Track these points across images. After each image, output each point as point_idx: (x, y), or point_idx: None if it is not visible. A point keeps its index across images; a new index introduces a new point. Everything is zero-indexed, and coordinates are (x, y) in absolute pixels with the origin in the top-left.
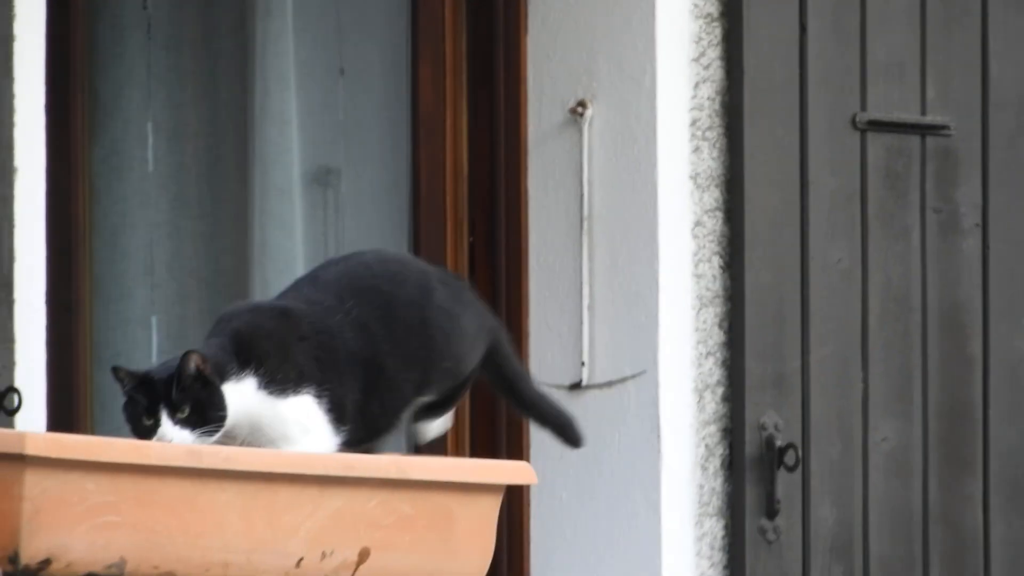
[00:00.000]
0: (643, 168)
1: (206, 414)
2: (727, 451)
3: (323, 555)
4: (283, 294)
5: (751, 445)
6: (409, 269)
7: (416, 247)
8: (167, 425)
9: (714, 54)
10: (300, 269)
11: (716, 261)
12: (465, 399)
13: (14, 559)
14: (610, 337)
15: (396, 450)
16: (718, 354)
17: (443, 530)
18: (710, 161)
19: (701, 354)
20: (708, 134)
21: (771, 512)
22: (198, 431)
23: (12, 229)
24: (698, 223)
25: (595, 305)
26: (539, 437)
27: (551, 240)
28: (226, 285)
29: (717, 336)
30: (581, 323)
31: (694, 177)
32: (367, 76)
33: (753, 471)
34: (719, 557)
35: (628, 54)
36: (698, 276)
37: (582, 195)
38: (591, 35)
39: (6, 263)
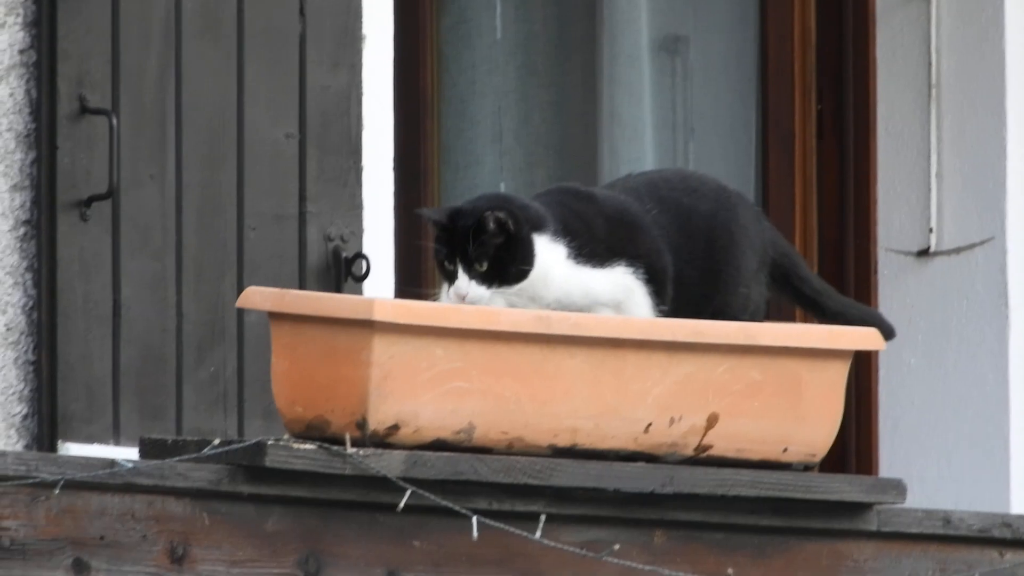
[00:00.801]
0: (991, 36)
1: (507, 269)
2: None
3: (671, 421)
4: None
5: None
6: (707, 186)
7: (764, 116)
8: (463, 280)
9: None
10: (648, 138)
11: None
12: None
13: (362, 425)
14: (958, 204)
15: None
16: None
17: (791, 396)
18: None
19: None
20: None
21: None
22: (495, 286)
23: (360, 97)
24: None
25: (943, 172)
26: (886, 304)
27: (899, 108)
28: (574, 153)
29: None
30: (929, 190)
31: None
32: None
33: None
34: None
35: None
36: None
37: (930, 63)
38: None
39: (355, 131)
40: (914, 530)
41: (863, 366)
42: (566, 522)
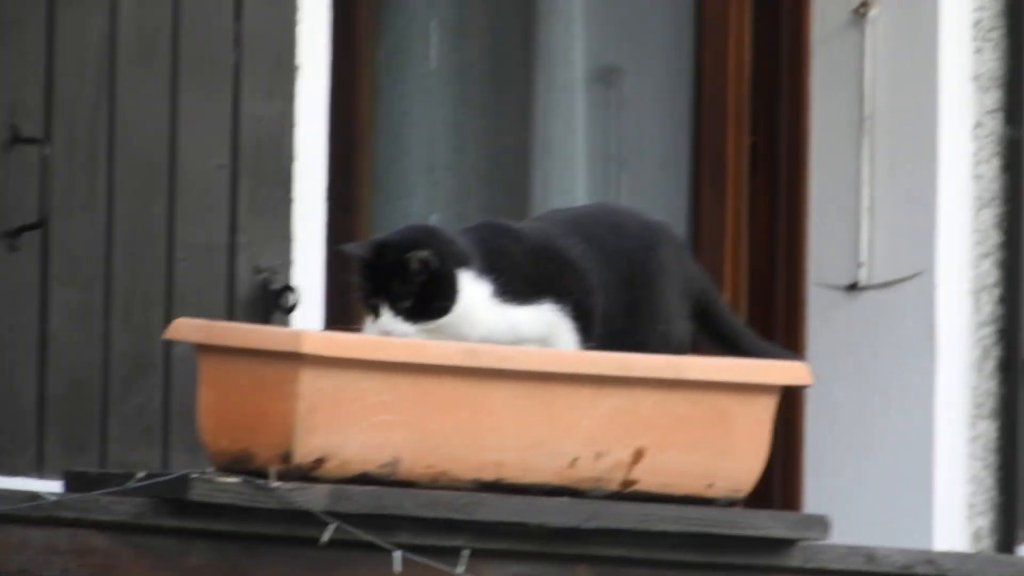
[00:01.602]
0: (925, 69)
1: (430, 305)
2: (1003, 352)
3: (597, 455)
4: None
5: None
6: (632, 222)
7: (697, 147)
8: (386, 316)
9: None
10: (581, 169)
11: (995, 162)
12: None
13: (287, 458)
14: (888, 238)
15: None
16: (996, 255)
17: (718, 431)
18: (992, 62)
19: (979, 255)
20: (990, 35)
21: None
22: (420, 322)
23: (293, 127)
24: (978, 124)
25: (874, 206)
26: (815, 339)
27: (832, 141)
28: (507, 184)
29: (995, 237)
30: (859, 224)
31: (976, 78)
32: None
33: None
34: (992, 459)
35: None
36: (977, 177)
37: (862, 96)
38: None
39: (286, 161)
40: (838, 566)
41: (791, 401)
42: (490, 557)
